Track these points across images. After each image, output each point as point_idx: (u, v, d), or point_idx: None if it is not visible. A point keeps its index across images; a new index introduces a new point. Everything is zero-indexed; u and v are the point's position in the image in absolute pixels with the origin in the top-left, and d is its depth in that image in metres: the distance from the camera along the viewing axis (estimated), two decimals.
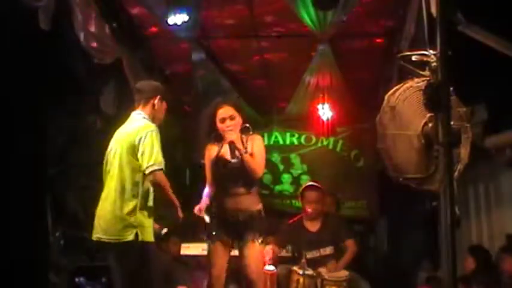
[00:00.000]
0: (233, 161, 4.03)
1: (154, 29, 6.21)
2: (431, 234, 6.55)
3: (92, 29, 5.11)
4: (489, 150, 5.75)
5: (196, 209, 4.01)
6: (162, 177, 3.57)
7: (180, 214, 3.68)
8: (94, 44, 5.17)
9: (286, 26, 6.26)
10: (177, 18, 5.45)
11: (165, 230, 3.80)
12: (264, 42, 6.69)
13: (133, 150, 3.59)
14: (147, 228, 3.61)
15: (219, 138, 4.13)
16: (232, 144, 4.01)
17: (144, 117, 3.76)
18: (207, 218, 4.01)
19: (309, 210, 5.52)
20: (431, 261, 6.53)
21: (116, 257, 3.61)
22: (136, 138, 3.60)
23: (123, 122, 3.87)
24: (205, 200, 4.07)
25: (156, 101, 3.80)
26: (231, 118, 4.07)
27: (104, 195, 3.70)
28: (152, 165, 3.53)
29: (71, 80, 5.31)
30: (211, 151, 4.16)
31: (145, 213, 3.61)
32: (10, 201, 4.42)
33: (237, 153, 4.01)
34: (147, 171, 3.54)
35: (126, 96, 6.05)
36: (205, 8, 5.73)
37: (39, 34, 4.37)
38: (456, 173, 2.59)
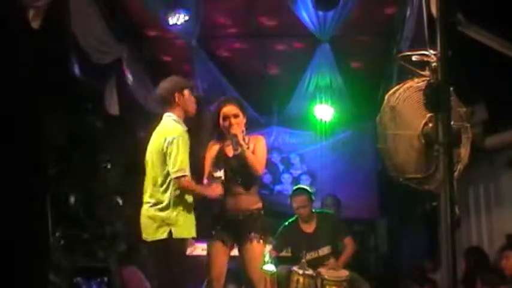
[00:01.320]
0: (234, 155, 4.05)
1: (154, 29, 6.22)
2: (431, 234, 6.56)
3: (92, 28, 5.11)
4: (489, 150, 5.76)
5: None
6: (185, 183, 3.69)
7: (215, 192, 3.86)
8: (94, 44, 5.17)
9: (286, 26, 6.27)
10: (177, 18, 5.45)
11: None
12: (264, 42, 6.70)
13: (162, 151, 3.72)
14: (183, 225, 3.70)
15: (221, 137, 4.14)
16: (235, 138, 4.02)
17: (174, 119, 3.85)
18: (220, 174, 4.02)
19: (300, 213, 5.57)
20: (432, 261, 6.53)
21: (152, 255, 3.79)
22: (163, 142, 3.72)
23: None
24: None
25: (177, 99, 3.87)
26: (235, 116, 4.09)
27: (144, 197, 3.83)
28: (176, 171, 3.66)
29: (71, 79, 5.31)
30: (213, 148, 4.17)
31: (181, 209, 3.71)
32: (10, 201, 4.42)
33: (239, 148, 4.03)
34: (172, 177, 3.67)
35: (127, 96, 6.08)
36: (205, 8, 5.73)
37: (39, 34, 4.37)
38: (456, 173, 2.58)
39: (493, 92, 5.20)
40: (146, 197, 3.80)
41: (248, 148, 4.07)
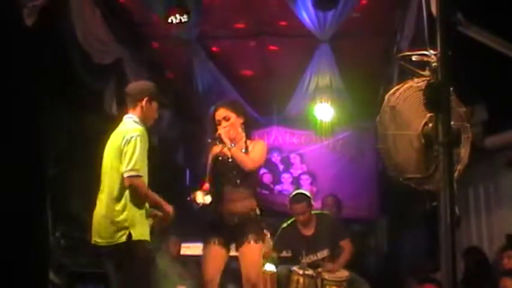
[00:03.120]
0: (230, 159, 4.11)
1: (154, 29, 6.22)
2: (431, 234, 6.55)
3: (92, 29, 5.11)
4: (489, 150, 5.76)
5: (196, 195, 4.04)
6: (138, 183, 3.57)
7: (169, 209, 3.72)
8: (94, 44, 5.17)
9: (286, 26, 6.27)
10: (177, 18, 5.45)
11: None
12: (264, 42, 6.70)
13: (119, 152, 3.63)
14: (141, 227, 3.62)
15: (220, 140, 4.18)
16: (218, 137, 4.10)
17: (135, 121, 3.78)
18: (207, 199, 4.03)
19: (298, 218, 5.56)
20: (432, 261, 6.52)
21: (112, 259, 3.63)
22: (122, 141, 3.63)
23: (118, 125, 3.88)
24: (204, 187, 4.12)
25: (144, 103, 3.81)
26: (226, 119, 4.18)
27: (98, 199, 3.75)
28: (129, 170, 3.55)
29: (71, 79, 5.31)
30: (215, 151, 4.23)
31: (138, 211, 3.62)
32: (10, 201, 4.42)
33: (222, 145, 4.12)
34: (124, 175, 3.57)
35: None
36: (206, 8, 5.73)
37: (40, 33, 4.37)
38: (456, 173, 2.58)
39: (493, 92, 5.20)
40: (103, 199, 3.69)
41: (233, 145, 4.12)
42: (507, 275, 4.76)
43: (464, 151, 2.72)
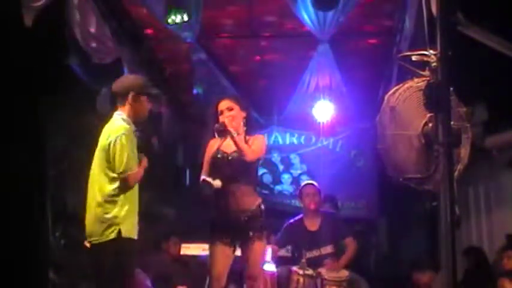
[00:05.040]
0: (231, 153, 4.09)
1: (154, 29, 6.22)
2: (431, 234, 6.55)
3: (92, 29, 5.11)
4: (489, 150, 5.76)
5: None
6: (132, 179, 3.60)
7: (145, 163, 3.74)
8: (94, 44, 5.17)
9: (286, 26, 6.27)
10: (177, 18, 5.45)
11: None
12: (264, 42, 6.70)
13: (105, 152, 3.63)
14: (130, 225, 3.63)
15: (221, 134, 4.15)
16: (223, 124, 4.05)
17: (123, 118, 3.74)
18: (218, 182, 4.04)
19: (309, 203, 5.59)
20: (431, 261, 6.51)
21: (100, 256, 3.62)
22: (107, 142, 3.63)
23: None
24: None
25: (130, 99, 3.74)
26: (229, 109, 4.16)
27: (88, 199, 3.74)
28: (123, 172, 3.56)
29: (71, 80, 5.31)
30: (213, 145, 4.21)
31: (128, 208, 3.62)
32: (10, 201, 4.42)
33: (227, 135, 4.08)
34: (120, 177, 3.57)
35: None
36: (206, 8, 5.73)
37: (39, 33, 4.37)
38: (456, 173, 2.58)
39: (494, 92, 5.20)
40: (93, 197, 3.69)
41: (237, 134, 4.07)
42: (505, 275, 4.76)
43: (464, 151, 2.72)
